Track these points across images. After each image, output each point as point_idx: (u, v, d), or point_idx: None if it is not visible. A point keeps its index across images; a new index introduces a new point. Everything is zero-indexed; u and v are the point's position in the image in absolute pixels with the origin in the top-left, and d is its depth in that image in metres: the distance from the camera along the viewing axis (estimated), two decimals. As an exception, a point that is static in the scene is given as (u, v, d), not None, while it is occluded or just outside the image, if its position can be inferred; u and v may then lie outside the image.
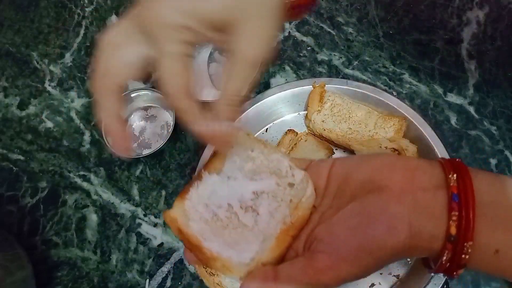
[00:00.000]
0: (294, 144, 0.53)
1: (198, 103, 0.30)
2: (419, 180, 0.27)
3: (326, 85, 0.55)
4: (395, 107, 0.53)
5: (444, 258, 0.25)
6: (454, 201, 0.25)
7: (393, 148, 0.48)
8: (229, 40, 0.30)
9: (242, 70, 0.30)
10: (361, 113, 0.55)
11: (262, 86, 0.61)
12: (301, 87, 0.56)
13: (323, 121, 0.55)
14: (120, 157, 0.59)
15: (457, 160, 0.27)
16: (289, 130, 0.56)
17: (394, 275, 0.48)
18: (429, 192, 0.26)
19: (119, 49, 0.30)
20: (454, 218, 0.24)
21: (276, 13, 0.30)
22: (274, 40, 0.31)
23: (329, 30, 0.65)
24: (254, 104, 0.56)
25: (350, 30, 0.64)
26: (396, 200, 0.26)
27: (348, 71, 0.61)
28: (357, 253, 0.25)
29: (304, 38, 0.64)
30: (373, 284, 0.49)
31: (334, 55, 0.63)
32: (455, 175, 0.26)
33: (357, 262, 0.25)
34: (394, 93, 0.59)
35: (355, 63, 0.62)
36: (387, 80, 0.60)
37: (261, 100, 0.56)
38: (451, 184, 0.25)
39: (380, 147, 0.49)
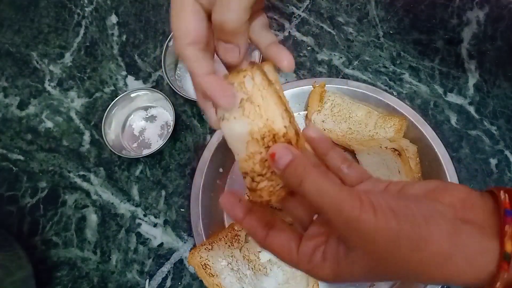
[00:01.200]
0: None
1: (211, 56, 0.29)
2: (470, 202, 0.25)
3: (326, 85, 0.55)
4: (395, 107, 0.53)
5: (499, 283, 0.22)
6: (507, 216, 0.23)
7: (393, 148, 0.48)
8: None
9: None
10: (361, 113, 0.55)
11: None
12: (301, 87, 0.56)
13: (323, 121, 0.55)
14: (120, 156, 0.59)
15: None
16: (289, 130, 0.56)
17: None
18: (480, 214, 0.25)
19: (184, 7, 0.29)
20: (510, 233, 0.23)
21: None
22: None
23: (329, 30, 0.64)
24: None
25: (350, 30, 0.64)
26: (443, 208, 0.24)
27: (348, 71, 0.61)
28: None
29: (304, 38, 0.64)
30: (372, 284, 0.49)
31: (334, 55, 0.63)
32: (506, 194, 0.24)
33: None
34: (394, 93, 0.59)
35: (355, 63, 0.62)
36: (387, 80, 0.60)
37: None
38: (503, 200, 0.24)
39: (380, 147, 0.49)
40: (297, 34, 0.65)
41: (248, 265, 0.49)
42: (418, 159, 0.51)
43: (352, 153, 0.53)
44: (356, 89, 0.55)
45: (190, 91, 0.62)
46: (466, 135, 0.56)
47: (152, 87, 0.63)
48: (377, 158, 0.49)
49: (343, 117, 0.54)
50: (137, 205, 0.57)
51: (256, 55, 0.59)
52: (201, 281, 0.51)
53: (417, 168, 0.51)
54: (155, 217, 0.56)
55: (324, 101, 0.55)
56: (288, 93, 0.57)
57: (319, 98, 0.55)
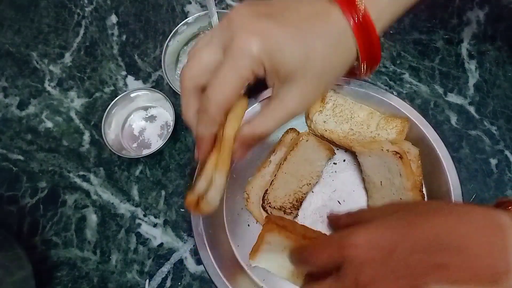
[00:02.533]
0: (295, 144, 0.53)
1: (223, 120, 0.34)
2: None
3: (326, 85, 0.55)
4: (397, 107, 0.53)
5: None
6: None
7: (394, 151, 0.48)
8: (279, 86, 0.32)
9: (278, 116, 0.33)
10: (363, 114, 0.55)
11: (262, 86, 0.61)
12: (302, 87, 0.56)
13: (324, 121, 0.54)
14: (120, 156, 0.59)
15: None
16: (290, 129, 0.56)
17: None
18: None
19: (201, 52, 0.33)
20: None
21: (335, 78, 0.33)
22: (318, 99, 0.34)
23: (329, 30, 0.64)
24: (255, 103, 0.56)
25: (350, 30, 0.64)
26: None
27: (349, 71, 0.61)
28: None
29: (304, 38, 0.64)
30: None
31: (334, 55, 0.63)
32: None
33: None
34: (395, 93, 0.59)
35: (355, 63, 0.62)
36: (388, 80, 0.60)
37: (262, 100, 0.56)
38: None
39: (382, 149, 0.48)
40: (297, 34, 0.65)
41: None
42: (419, 161, 0.51)
43: (354, 154, 0.53)
44: (358, 89, 0.55)
45: (190, 91, 0.62)
46: (466, 135, 0.56)
47: (152, 87, 0.63)
48: (378, 161, 0.49)
49: (345, 117, 0.54)
50: (137, 205, 0.57)
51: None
52: (201, 281, 0.51)
53: (418, 170, 0.51)
54: (155, 217, 0.56)
55: (326, 101, 0.55)
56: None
57: (320, 98, 0.54)
